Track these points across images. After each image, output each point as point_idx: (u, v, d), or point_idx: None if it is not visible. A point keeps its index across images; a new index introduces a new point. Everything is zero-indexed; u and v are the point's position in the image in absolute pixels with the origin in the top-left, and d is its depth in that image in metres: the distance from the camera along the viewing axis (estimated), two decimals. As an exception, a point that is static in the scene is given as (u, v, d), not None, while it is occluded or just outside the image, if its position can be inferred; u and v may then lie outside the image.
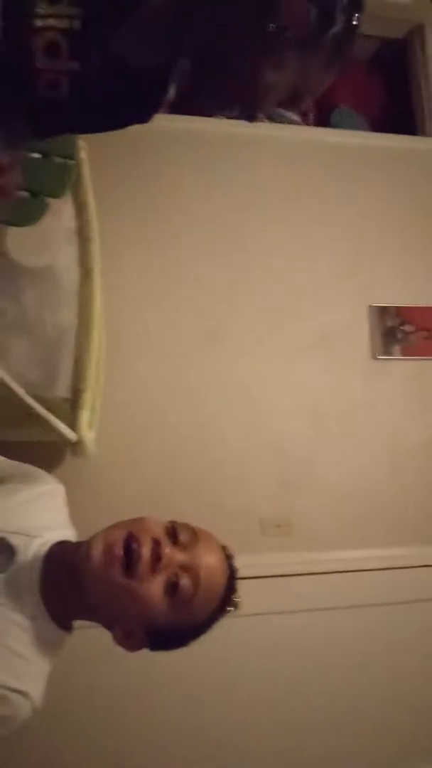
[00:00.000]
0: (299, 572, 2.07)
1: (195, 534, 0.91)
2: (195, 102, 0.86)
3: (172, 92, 0.85)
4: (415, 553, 2.13)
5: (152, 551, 0.85)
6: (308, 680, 2.02)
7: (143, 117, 0.95)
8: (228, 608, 0.99)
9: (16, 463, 1.17)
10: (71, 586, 0.88)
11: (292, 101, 0.86)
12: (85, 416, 1.57)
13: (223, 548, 0.96)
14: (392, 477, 2.18)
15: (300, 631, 2.03)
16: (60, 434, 1.54)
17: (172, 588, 0.87)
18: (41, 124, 0.90)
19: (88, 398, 1.57)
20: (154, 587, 0.85)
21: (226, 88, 0.82)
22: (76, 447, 1.58)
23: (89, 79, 0.82)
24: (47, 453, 1.86)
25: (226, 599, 0.97)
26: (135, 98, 0.88)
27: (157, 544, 0.86)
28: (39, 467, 1.88)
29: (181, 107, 0.89)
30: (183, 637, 0.94)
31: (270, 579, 2.04)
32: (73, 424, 1.55)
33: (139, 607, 0.86)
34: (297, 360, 2.20)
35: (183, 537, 0.90)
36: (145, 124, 2.30)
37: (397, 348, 2.30)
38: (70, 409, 1.56)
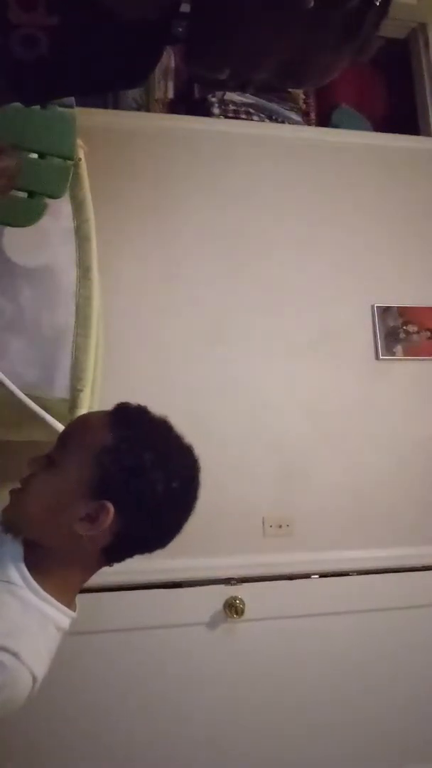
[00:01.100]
0: (301, 572, 2.07)
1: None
2: (187, 61, 0.75)
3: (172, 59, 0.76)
4: (417, 553, 2.11)
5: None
6: (311, 683, 2.01)
7: (134, 81, 0.87)
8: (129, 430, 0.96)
9: None
10: (37, 546, 0.92)
11: (290, 77, 0.76)
12: (83, 416, 1.56)
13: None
14: (395, 477, 2.17)
15: (303, 633, 2.02)
16: (58, 434, 1.53)
17: (49, 463, 0.95)
18: (24, 87, 0.81)
19: (86, 398, 1.56)
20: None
21: (222, 47, 0.72)
22: (74, 447, 1.58)
23: (71, 36, 0.73)
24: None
25: (120, 422, 0.96)
26: (125, 59, 0.78)
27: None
28: (37, 467, 1.89)
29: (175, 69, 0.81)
30: (123, 469, 0.92)
31: (272, 583, 2.03)
32: (71, 424, 1.54)
33: (48, 493, 0.92)
34: (299, 360, 2.19)
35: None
36: (144, 124, 2.30)
37: (399, 348, 2.29)
38: (68, 409, 1.55)
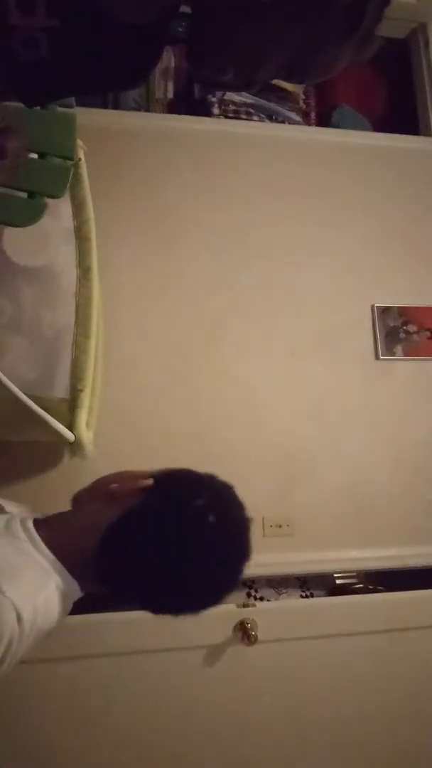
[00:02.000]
0: (302, 572, 2.06)
1: None
2: (189, 63, 0.76)
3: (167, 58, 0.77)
4: (417, 552, 2.11)
5: None
6: (316, 700, 1.92)
7: (135, 81, 0.87)
8: None
9: None
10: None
11: (293, 74, 0.76)
12: (83, 416, 1.56)
13: None
14: (395, 477, 2.17)
15: (319, 656, 1.91)
16: (58, 434, 1.53)
17: None
18: (25, 88, 0.82)
19: (86, 398, 1.56)
20: None
21: (224, 47, 0.72)
22: (74, 447, 1.58)
23: (71, 37, 0.74)
24: (45, 453, 1.87)
25: None
26: (125, 59, 0.79)
27: None
28: (37, 467, 1.89)
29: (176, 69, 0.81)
30: None
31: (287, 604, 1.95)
32: (71, 424, 1.55)
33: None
34: (299, 360, 2.19)
35: None
36: (144, 124, 2.30)
37: (399, 348, 2.29)
38: (68, 409, 1.56)
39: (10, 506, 1.00)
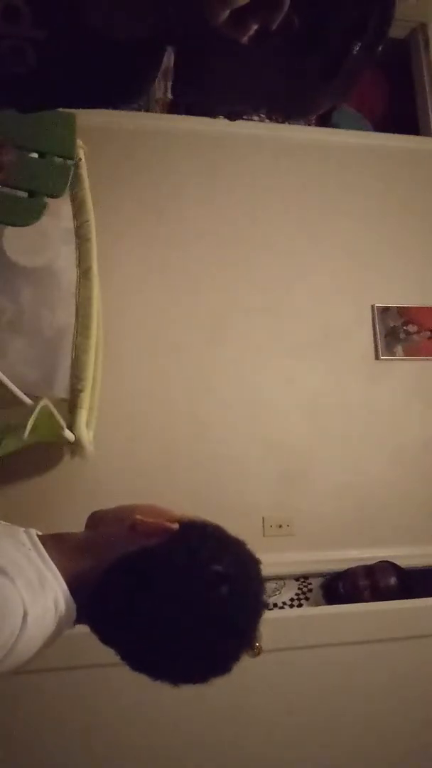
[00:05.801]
0: (301, 572, 2.06)
1: None
2: (176, 88, 0.75)
3: (165, 75, 0.75)
4: (417, 552, 2.11)
5: None
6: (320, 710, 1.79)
7: (129, 97, 0.84)
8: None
9: None
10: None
11: (274, 112, 0.77)
12: (83, 416, 1.56)
13: None
14: (395, 477, 2.17)
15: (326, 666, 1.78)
16: (58, 434, 1.53)
17: None
18: (17, 98, 0.81)
19: (86, 398, 1.56)
20: None
21: (205, 79, 0.72)
22: (75, 447, 1.58)
23: (60, 50, 0.72)
24: (45, 453, 1.86)
25: None
26: (120, 75, 0.77)
27: None
28: (37, 467, 1.89)
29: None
30: None
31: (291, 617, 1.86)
32: (71, 424, 1.55)
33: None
34: (299, 360, 2.20)
35: None
36: (144, 124, 2.29)
37: (399, 348, 2.29)
38: (69, 409, 1.56)
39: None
